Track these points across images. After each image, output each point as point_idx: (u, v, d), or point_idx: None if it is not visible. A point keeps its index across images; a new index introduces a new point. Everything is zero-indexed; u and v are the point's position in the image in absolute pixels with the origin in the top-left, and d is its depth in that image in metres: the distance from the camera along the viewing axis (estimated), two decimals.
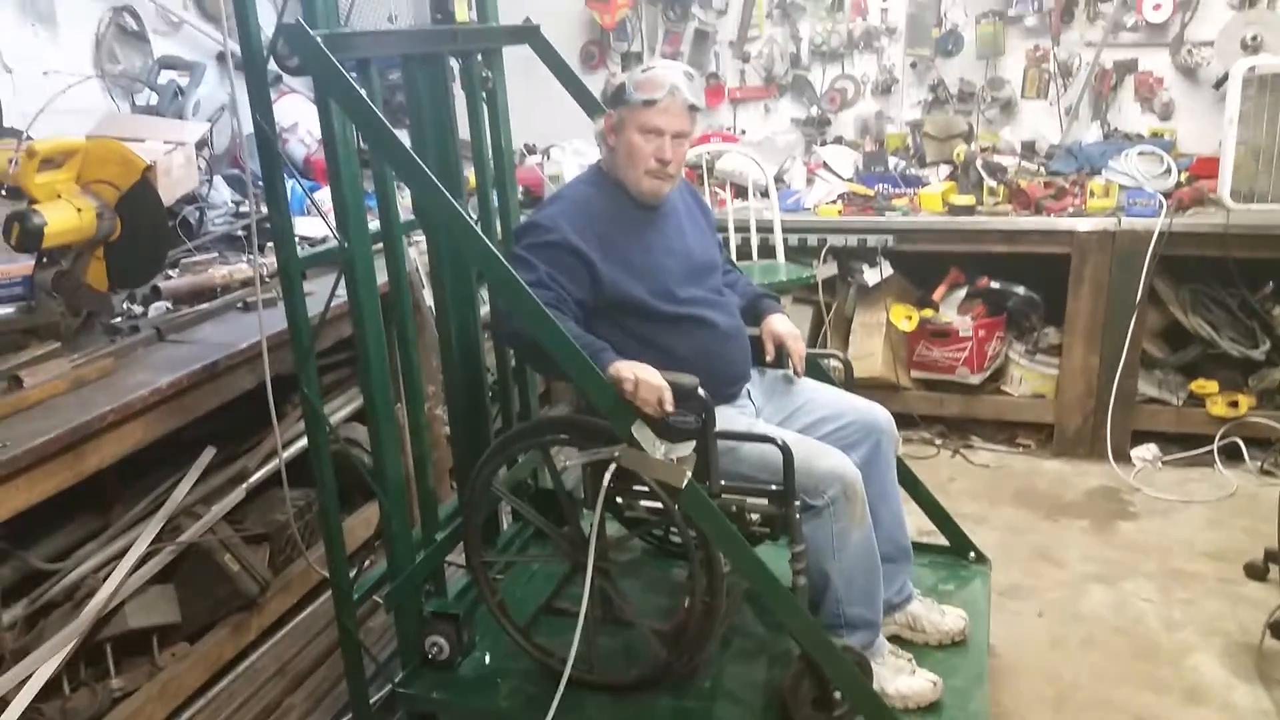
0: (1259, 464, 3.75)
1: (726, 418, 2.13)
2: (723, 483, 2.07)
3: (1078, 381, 3.91)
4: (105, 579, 2.33)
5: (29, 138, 2.96)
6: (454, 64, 2.54)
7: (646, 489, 2.02)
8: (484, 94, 2.57)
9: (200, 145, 3.43)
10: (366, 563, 2.97)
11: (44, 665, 2.15)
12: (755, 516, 2.11)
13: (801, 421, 2.32)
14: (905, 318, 4.07)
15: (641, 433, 1.96)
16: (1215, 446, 3.78)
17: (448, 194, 1.96)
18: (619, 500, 2.24)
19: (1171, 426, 3.91)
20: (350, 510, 3.12)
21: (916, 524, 2.75)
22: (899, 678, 2.20)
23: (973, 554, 2.78)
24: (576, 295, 2.14)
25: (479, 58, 2.52)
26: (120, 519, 2.48)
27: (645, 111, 2.16)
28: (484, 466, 2.29)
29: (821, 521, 2.09)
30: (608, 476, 2.02)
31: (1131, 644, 2.77)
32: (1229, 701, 2.52)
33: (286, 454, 2.74)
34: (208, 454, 2.69)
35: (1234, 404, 3.78)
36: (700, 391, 2.00)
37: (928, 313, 4.12)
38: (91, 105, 3.41)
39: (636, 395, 1.93)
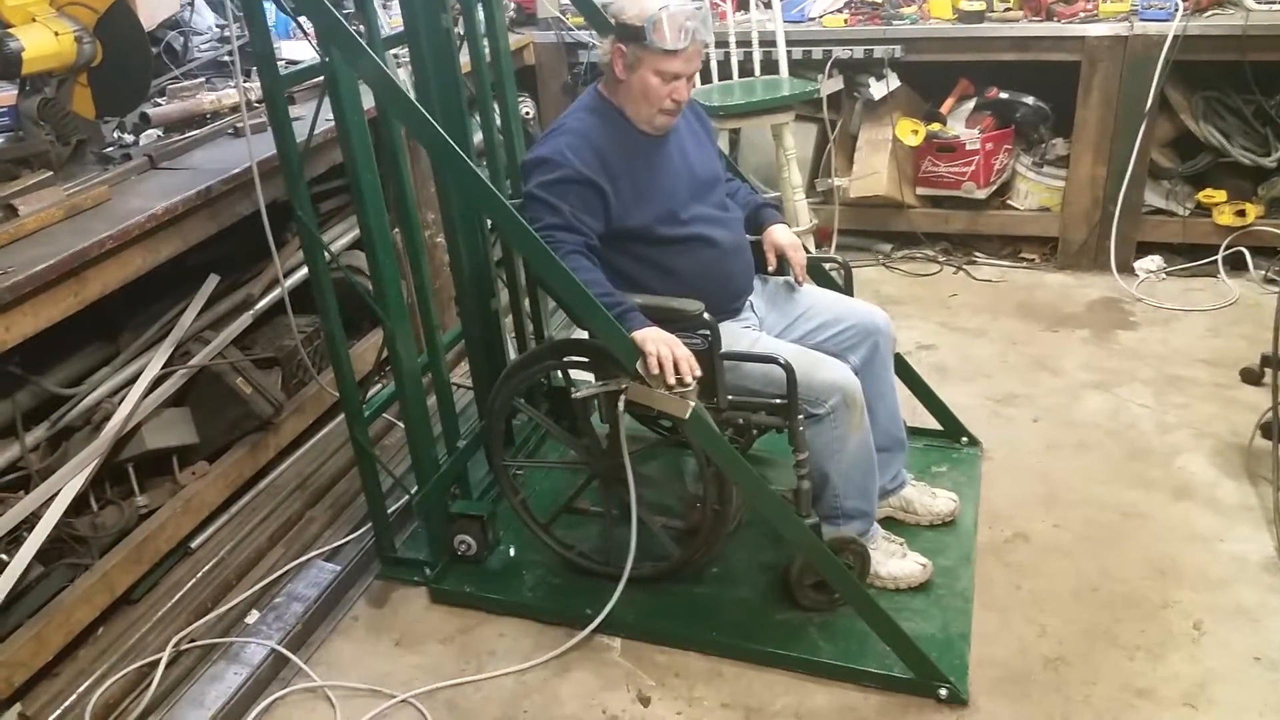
0: (1263, 273, 3.74)
1: (731, 334, 2.15)
2: (730, 398, 2.11)
3: (1084, 193, 3.86)
4: (121, 402, 2.39)
5: None
6: None
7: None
8: None
9: None
10: (377, 385, 3.04)
11: (69, 483, 2.24)
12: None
13: (803, 329, 2.35)
14: (911, 132, 3.98)
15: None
16: (1220, 256, 3.77)
17: (460, 152, 1.94)
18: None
19: (1177, 237, 3.88)
20: (359, 336, 3.17)
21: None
22: (891, 561, 2.31)
23: (965, 438, 2.83)
24: (598, 230, 2.13)
25: None
26: (130, 345, 2.53)
27: (665, 59, 2.09)
28: (502, 385, 2.35)
29: (822, 428, 2.15)
30: (621, 405, 2.05)
31: (1123, 446, 2.84)
32: (1214, 497, 2.61)
33: (291, 281, 2.77)
34: (211, 281, 2.72)
35: (1241, 213, 3.74)
36: (705, 316, 2.03)
37: (935, 127, 4.03)
38: None
39: (662, 369, 1.94)
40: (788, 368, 2.06)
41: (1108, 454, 2.81)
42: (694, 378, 1.97)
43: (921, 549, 2.37)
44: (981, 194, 4.00)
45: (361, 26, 2.26)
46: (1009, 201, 4.12)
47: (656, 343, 1.96)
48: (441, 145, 1.95)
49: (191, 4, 3.55)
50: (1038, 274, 3.97)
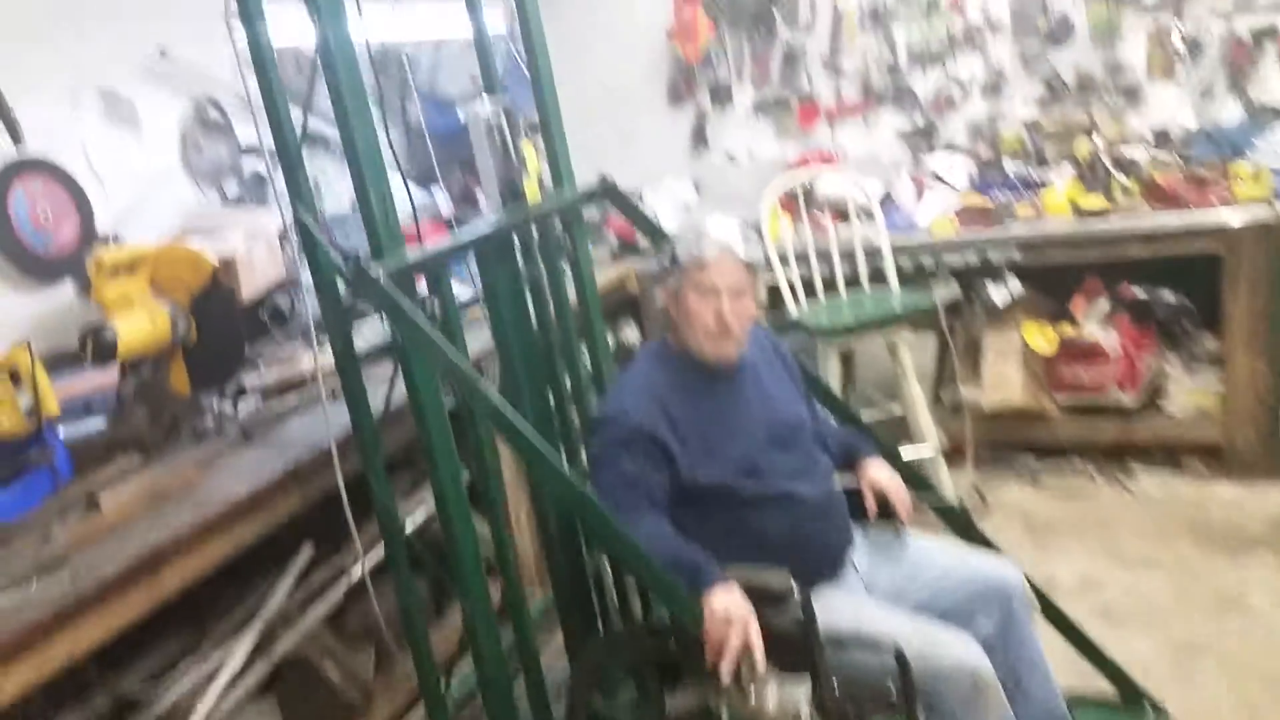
0: None
1: (829, 606, 1.86)
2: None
3: (1245, 393, 3.47)
4: (203, 698, 2.24)
5: (117, 241, 2.98)
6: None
7: None
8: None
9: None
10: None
11: None
12: None
13: (917, 592, 2.07)
14: (1041, 337, 3.71)
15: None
16: None
17: (530, 434, 1.84)
18: None
19: None
20: (452, 597, 2.98)
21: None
22: None
23: (1147, 704, 2.36)
24: (666, 487, 2.01)
25: (557, 224, 2.46)
26: (215, 629, 2.40)
27: (698, 273, 2.07)
28: (575, 689, 2.10)
29: None
30: None
31: None
32: None
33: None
34: (305, 553, 2.60)
35: None
36: (796, 594, 1.77)
37: (1067, 329, 3.74)
38: (183, 198, 3.43)
39: (720, 644, 1.72)
40: (900, 657, 1.74)
41: None
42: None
43: None
44: (1130, 400, 3.64)
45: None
46: (1162, 405, 3.74)
47: (722, 621, 1.71)
48: (516, 436, 1.82)
49: (299, 263, 3.64)
50: (1206, 486, 3.52)
